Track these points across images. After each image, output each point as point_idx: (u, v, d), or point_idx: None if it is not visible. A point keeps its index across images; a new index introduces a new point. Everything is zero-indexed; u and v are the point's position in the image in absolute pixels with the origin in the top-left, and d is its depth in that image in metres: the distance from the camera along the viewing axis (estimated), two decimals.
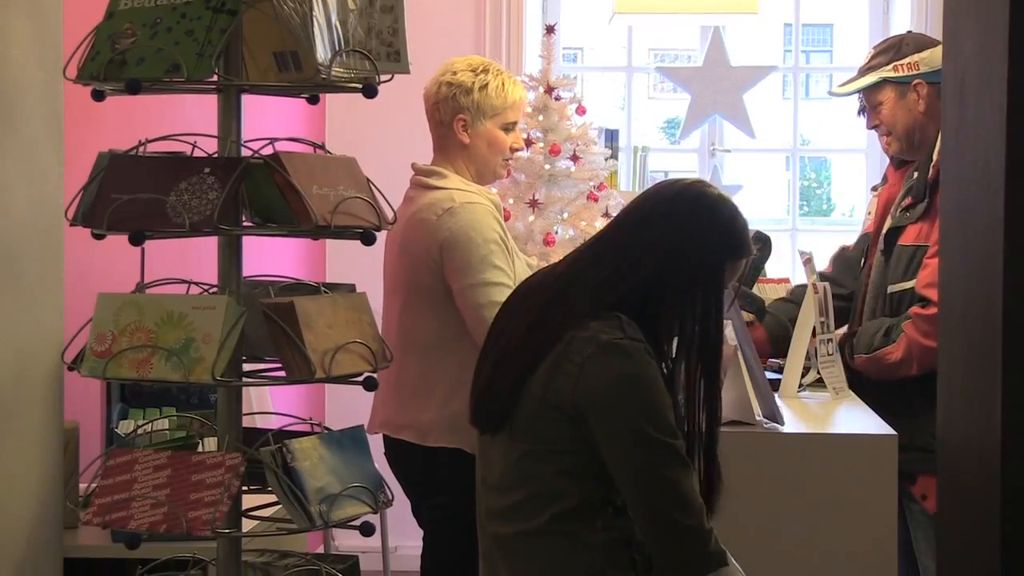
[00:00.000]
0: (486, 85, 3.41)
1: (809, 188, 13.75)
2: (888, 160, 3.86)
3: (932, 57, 3.60)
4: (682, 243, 2.39)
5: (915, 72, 3.60)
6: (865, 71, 3.70)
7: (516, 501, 2.39)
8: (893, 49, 3.68)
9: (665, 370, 2.40)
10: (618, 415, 2.30)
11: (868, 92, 3.69)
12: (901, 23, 5.46)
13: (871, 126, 3.73)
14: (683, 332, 2.40)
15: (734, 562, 2.35)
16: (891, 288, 3.48)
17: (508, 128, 3.47)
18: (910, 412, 3.33)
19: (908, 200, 3.53)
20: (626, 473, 2.31)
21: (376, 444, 2.96)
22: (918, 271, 3.38)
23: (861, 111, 3.79)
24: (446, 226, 3.28)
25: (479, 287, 3.24)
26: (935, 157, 3.42)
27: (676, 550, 2.30)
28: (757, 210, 7.25)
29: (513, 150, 3.52)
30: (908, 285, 3.41)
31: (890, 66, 3.63)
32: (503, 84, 3.44)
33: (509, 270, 3.29)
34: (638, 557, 2.36)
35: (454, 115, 3.41)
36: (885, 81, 3.63)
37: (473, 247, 3.25)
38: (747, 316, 3.64)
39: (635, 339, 2.31)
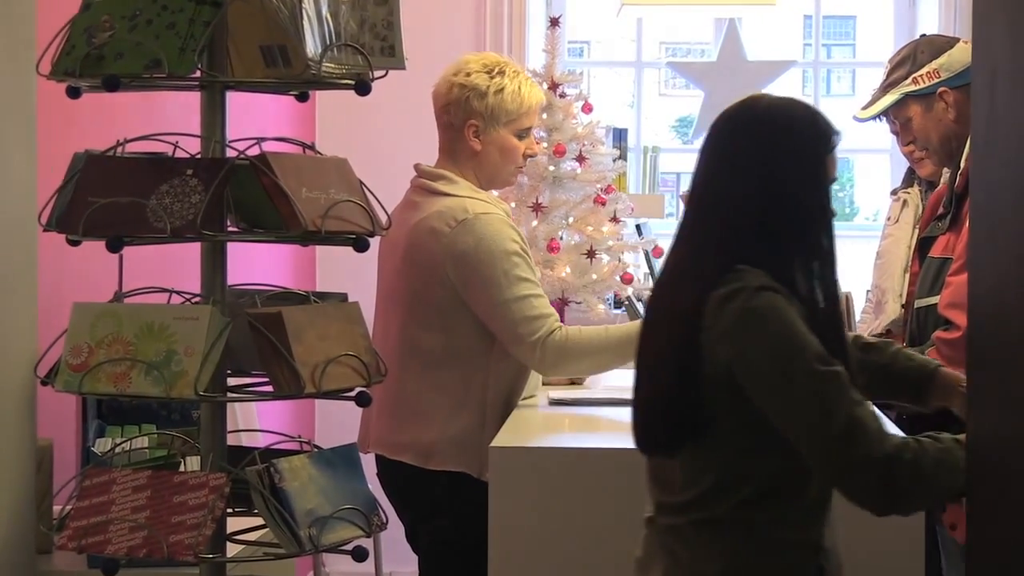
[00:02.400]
0: (502, 89, 3.37)
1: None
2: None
3: (951, 61, 3.59)
4: (775, 173, 2.33)
5: (937, 80, 3.60)
6: (885, 89, 3.70)
7: (696, 494, 2.32)
8: (909, 60, 3.67)
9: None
10: (754, 354, 2.23)
11: (894, 110, 3.68)
12: (928, 14, 5.46)
13: (906, 143, 3.72)
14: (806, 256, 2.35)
15: (928, 443, 2.23)
16: (918, 303, 3.47)
17: (523, 135, 3.45)
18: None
19: (941, 209, 3.53)
20: (782, 416, 2.23)
21: (368, 463, 2.96)
22: (943, 287, 3.37)
23: (894, 132, 3.78)
24: (462, 240, 3.25)
25: (511, 303, 3.23)
26: (963, 164, 3.42)
27: (855, 487, 2.22)
28: None
29: (526, 156, 3.50)
30: (933, 300, 3.41)
31: (909, 79, 3.63)
32: (520, 88, 3.40)
33: (536, 279, 3.30)
34: (826, 565, 2.32)
35: (466, 120, 3.37)
36: (908, 96, 3.63)
37: (496, 262, 3.24)
38: None
39: (763, 286, 2.25)
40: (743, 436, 2.28)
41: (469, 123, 3.36)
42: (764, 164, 2.34)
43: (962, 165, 3.42)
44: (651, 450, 2.42)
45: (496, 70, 3.39)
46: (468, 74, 3.37)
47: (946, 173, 3.55)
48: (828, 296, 2.34)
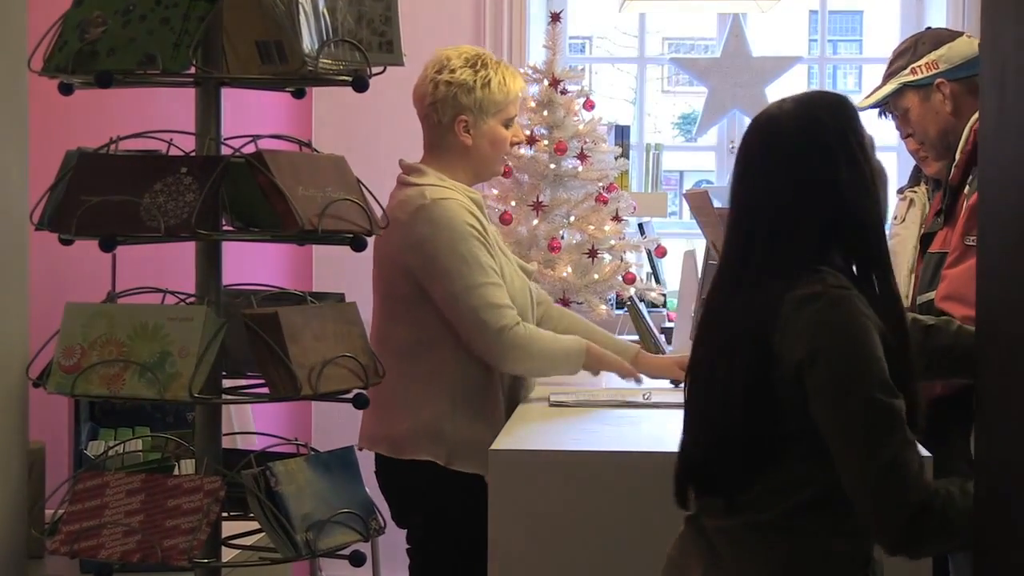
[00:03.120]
0: (489, 82, 3.41)
1: None
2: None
3: (951, 52, 3.60)
4: (810, 174, 2.32)
5: (935, 72, 3.61)
6: (886, 79, 3.71)
7: (749, 497, 2.30)
8: (910, 51, 3.69)
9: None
10: (824, 359, 2.21)
11: (893, 101, 3.69)
12: (936, 9, 5.47)
13: (904, 136, 3.73)
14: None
15: (951, 490, 2.24)
16: (919, 299, 3.48)
17: (509, 124, 3.49)
18: (941, 434, 3.32)
19: (938, 201, 3.54)
20: (831, 431, 2.22)
21: (367, 465, 2.96)
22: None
23: (883, 114, 3.79)
24: (417, 227, 3.30)
25: (472, 290, 3.26)
26: (957, 156, 3.43)
27: (882, 523, 2.21)
28: None
29: (513, 144, 3.54)
30: (932, 295, 3.42)
31: (908, 69, 3.64)
32: (505, 78, 3.44)
33: (496, 267, 3.32)
34: None
35: (455, 116, 3.40)
36: (906, 87, 3.64)
37: (451, 247, 3.27)
38: None
39: (844, 287, 2.25)
40: (804, 441, 2.25)
41: (459, 119, 3.40)
42: (823, 174, 2.32)
43: (957, 157, 3.43)
44: (716, 490, 2.35)
45: (479, 63, 3.43)
46: (452, 70, 3.40)
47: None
48: (893, 310, 2.32)
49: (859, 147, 2.34)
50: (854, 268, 2.33)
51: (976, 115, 3.46)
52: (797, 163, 2.33)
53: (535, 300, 3.54)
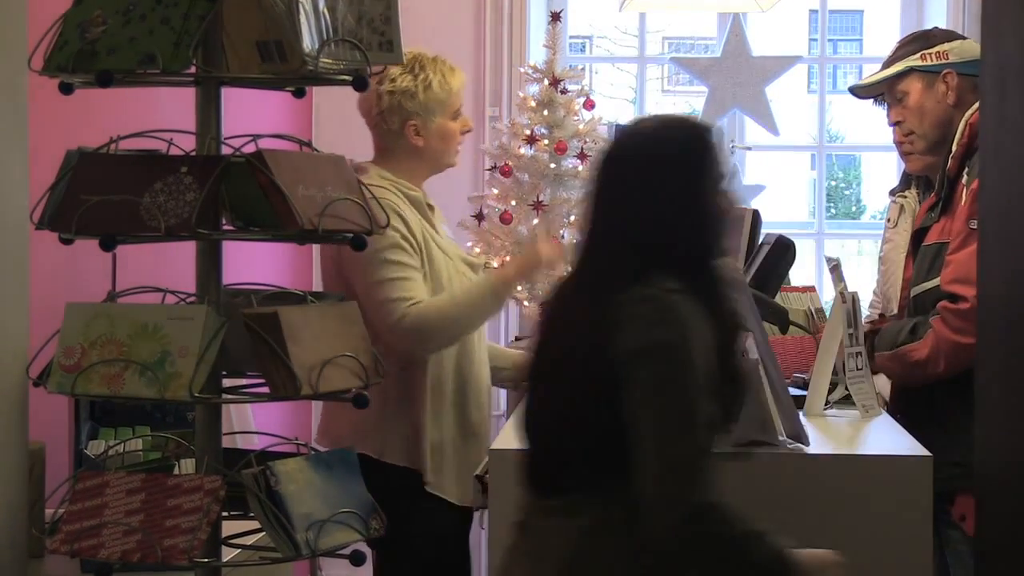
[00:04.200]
0: (430, 84, 3.49)
1: (837, 188, 13.75)
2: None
3: (963, 48, 3.61)
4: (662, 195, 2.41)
5: (945, 61, 3.62)
6: (890, 63, 3.71)
7: (590, 497, 2.37)
8: (921, 39, 3.70)
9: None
10: (645, 345, 2.31)
11: (892, 83, 3.70)
12: (936, 9, 5.47)
13: (894, 121, 3.73)
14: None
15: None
16: (915, 290, 3.49)
17: (456, 115, 3.57)
18: (940, 422, 3.33)
19: (932, 198, 3.55)
20: (635, 414, 2.30)
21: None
22: (940, 269, 3.39)
23: (878, 102, 3.80)
24: None
25: (371, 288, 3.32)
26: (954, 148, 3.44)
27: (654, 526, 2.27)
28: (780, 213, 7.25)
29: (463, 133, 3.61)
30: (930, 284, 3.43)
31: (918, 55, 3.65)
32: (444, 76, 3.52)
33: (411, 263, 3.37)
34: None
35: (404, 122, 3.49)
36: (912, 70, 3.65)
37: (372, 244, 3.28)
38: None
39: (677, 290, 2.33)
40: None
41: (408, 124, 3.50)
42: (658, 198, 2.41)
43: (953, 149, 3.44)
44: (560, 490, 2.41)
45: (416, 66, 3.51)
46: (392, 79, 3.48)
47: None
48: (725, 315, 2.41)
49: (699, 178, 2.41)
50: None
51: (971, 110, 3.47)
52: (636, 183, 2.42)
53: None
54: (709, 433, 2.32)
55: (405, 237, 3.38)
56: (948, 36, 3.71)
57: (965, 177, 3.40)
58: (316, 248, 5.31)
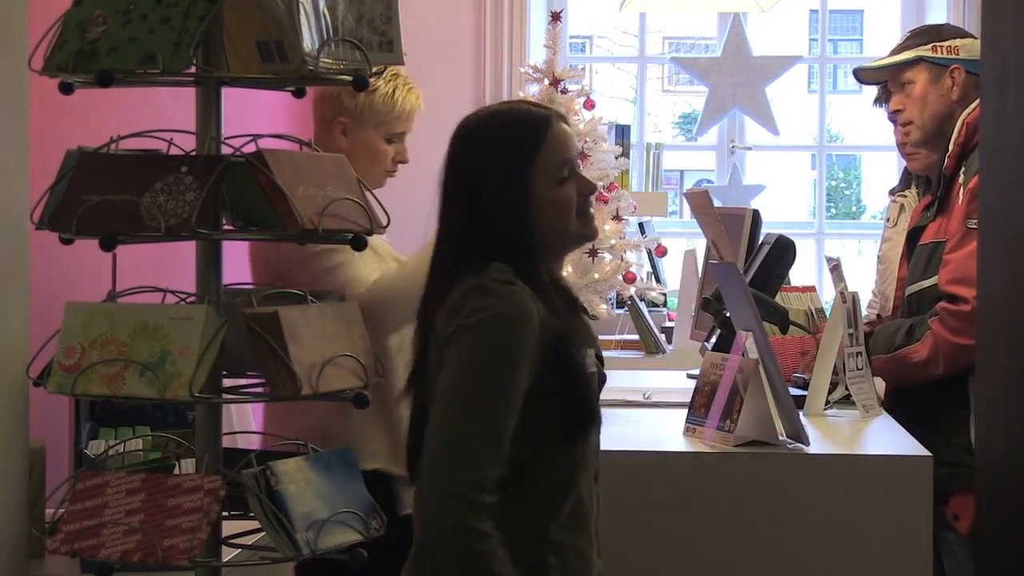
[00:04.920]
0: (375, 91, 3.39)
1: (837, 188, 13.77)
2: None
3: (973, 47, 3.62)
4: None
5: (955, 56, 3.62)
6: (899, 51, 3.71)
7: None
8: (934, 31, 3.71)
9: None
10: (467, 339, 2.34)
11: (896, 71, 3.69)
12: (936, 9, 5.48)
13: (893, 110, 3.73)
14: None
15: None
16: (910, 289, 3.50)
17: (393, 139, 3.47)
18: (935, 423, 3.33)
19: (928, 197, 3.55)
20: (440, 396, 2.34)
21: None
22: (937, 268, 3.39)
23: (878, 101, 3.80)
24: None
25: (325, 274, 3.23)
26: (951, 147, 3.44)
27: (431, 505, 2.28)
28: (780, 212, 7.27)
29: (396, 162, 3.50)
30: (926, 284, 3.43)
31: (929, 46, 3.65)
32: (393, 92, 3.43)
33: (344, 250, 3.28)
34: (554, 560, 2.35)
35: (336, 116, 3.42)
36: (921, 60, 3.65)
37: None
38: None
39: (507, 280, 2.36)
40: None
41: (338, 120, 3.42)
42: (484, 186, 2.44)
43: (950, 148, 3.44)
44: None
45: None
46: None
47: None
48: (556, 304, 2.43)
49: (523, 168, 2.43)
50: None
51: (968, 109, 3.47)
52: (466, 170, 2.45)
53: None
54: (496, 421, 2.29)
55: None
56: (960, 33, 3.72)
57: (962, 176, 3.40)
58: None
